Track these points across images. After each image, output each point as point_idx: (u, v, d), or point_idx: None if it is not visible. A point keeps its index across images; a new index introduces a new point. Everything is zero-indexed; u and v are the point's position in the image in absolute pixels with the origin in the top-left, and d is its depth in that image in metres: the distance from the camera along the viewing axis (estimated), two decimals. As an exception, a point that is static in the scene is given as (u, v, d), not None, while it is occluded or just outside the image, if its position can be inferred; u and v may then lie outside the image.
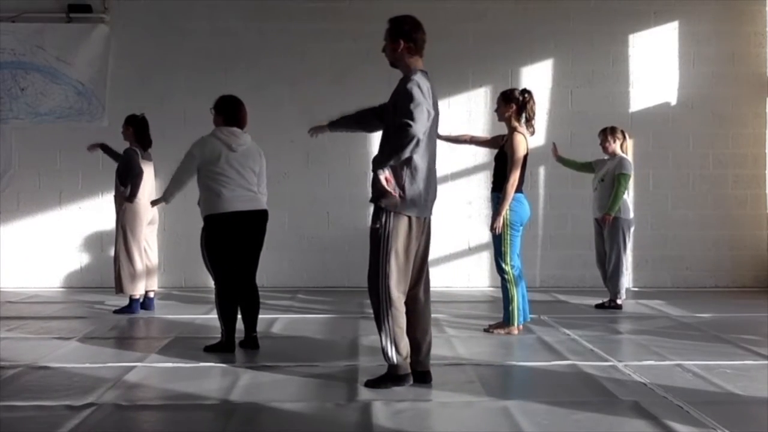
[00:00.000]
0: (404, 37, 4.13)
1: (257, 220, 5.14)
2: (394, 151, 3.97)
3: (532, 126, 5.72)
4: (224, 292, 5.07)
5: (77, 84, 8.26)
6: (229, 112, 5.16)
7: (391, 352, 4.08)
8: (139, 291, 6.59)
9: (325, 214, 8.27)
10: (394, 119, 4.00)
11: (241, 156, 5.08)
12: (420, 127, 3.91)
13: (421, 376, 4.23)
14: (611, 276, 6.86)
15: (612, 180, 6.74)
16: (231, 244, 5.03)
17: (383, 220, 4.03)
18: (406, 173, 4.02)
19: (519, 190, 5.61)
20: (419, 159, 4.04)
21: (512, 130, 5.63)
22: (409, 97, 3.95)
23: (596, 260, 7.08)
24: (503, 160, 5.65)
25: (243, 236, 5.08)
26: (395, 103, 4.06)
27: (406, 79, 4.06)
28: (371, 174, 4.08)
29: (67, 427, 3.48)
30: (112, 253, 8.20)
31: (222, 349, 5.03)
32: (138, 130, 6.62)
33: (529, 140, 5.72)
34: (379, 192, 4.03)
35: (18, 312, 6.85)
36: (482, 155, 7.99)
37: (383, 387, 4.09)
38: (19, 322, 6.28)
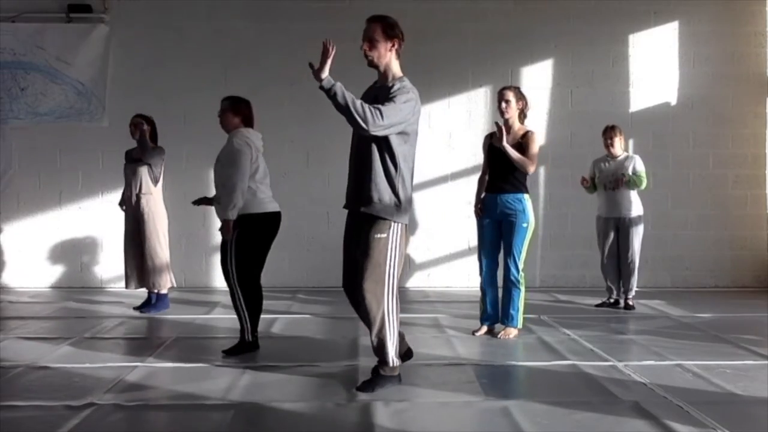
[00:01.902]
0: (398, 38, 4.10)
1: (278, 221, 5.24)
2: (353, 107, 3.80)
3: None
4: (249, 290, 5.06)
5: (77, 84, 8.26)
6: (246, 113, 5.20)
7: (394, 355, 4.14)
8: (168, 285, 6.75)
9: (325, 214, 8.27)
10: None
11: (262, 157, 5.18)
12: (375, 128, 3.84)
13: (406, 355, 4.45)
14: (632, 273, 6.88)
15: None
16: (260, 244, 5.09)
17: (390, 231, 4.04)
18: (398, 181, 4.04)
19: (527, 190, 5.61)
20: (406, 170, 4.08)
21: (526, 129, 5.62)
22: (398, 103, 3.92)
23: (607, 260, 7.00)
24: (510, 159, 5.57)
25: (269, 236, 5.16)
26: (376, 97, 4.03)
27: (403, 86, 4.02)
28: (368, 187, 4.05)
29: (67, 427, 3.48)
30: (112, 253, 8.26)
31: (248, 349, 5.04)
32: (154, 130, 6.70)
33: None
34: (373, 200, 4.03)
35: (18, 312, 6.85)
36: (482, 156, 7.98)
37: (381, 388, 4.10)
38: (19, 322, 6.28)
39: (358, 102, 3.86)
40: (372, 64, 4.10)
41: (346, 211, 4.24)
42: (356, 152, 4.13)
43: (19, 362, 4.73)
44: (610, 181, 6.88)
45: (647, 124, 8.48)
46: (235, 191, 4.91)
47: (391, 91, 4.00)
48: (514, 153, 5.44)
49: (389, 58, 4.10)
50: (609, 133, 6.94)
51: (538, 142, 5.61)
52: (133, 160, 6.68)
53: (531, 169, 5.51)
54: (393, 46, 4.09)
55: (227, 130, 5.16)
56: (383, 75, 4.12)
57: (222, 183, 5.01)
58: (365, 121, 3.83)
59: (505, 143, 5.38)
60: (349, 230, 4.20)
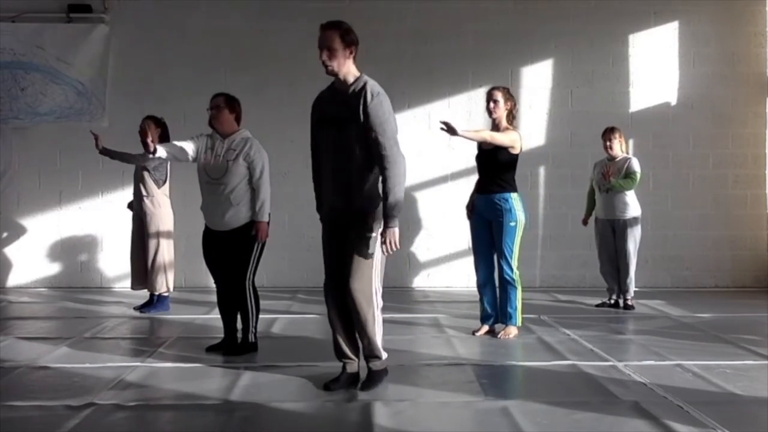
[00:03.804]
0: (355, 44, 4.08)
1: None
2: (399, 183, 3.97)
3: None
4: (256, 291, 5.14)
5: (77, 84, 8.26)
6: (239, 111, 5.20)
7: (381, 349, 4.19)
8: (164, 288, 6.78)
9: (325, 214, 8.27)
10: (370, 134, 3.96)
11: None
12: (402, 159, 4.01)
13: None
14: (627, 274, 6.89)
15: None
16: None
17: (378, 229, 4.07)
18: (379, 178, 4.10)
19: (515, 189, 5.61)
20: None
21: (509, 129, 5.59)
22: (389, 118, 3.98)
23: (605, 262, 7.01)
24: (501, 159, 5.54)
25: None
26: (366, 113, 3.96)
27: (373, 91, 3.99)
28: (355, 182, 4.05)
29: (67, 427, 3.48)
30: (112, 253, 8.26)
31: (249, 350, 5.07)
32: (165, 133, 6.71)
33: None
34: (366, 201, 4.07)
35: (18, 312, 6.86)
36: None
37: (380, 384, 4.14)
38: (19, 322, 6.28)
39: (399, 189, 3.97)
40: (332, 73, 4.04)
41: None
42: (334, 156, 4.06)
43: (19, 362, 4.73)
44: (603, 183, 6.88)
45: (647, 124, 8.48)
46: (268, 194, 5.05)
47: (367, 101, 3.95)
48: (469, 134, 5.42)
49: (348, 66, 4.06)
50: (608, 135, 6.93)
51: (512, 135, 5.53)
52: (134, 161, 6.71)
53: (488, 138, 5.46)
54: (351, 53, 4.05)
55: (224, 128, 5.09)
56: (343, 81, 4.06)
57: (259, 186, 5.01)
58: (404, 173, 3.99)
59: (460, 131, 5.21)
60: (333, 233, 4.15)
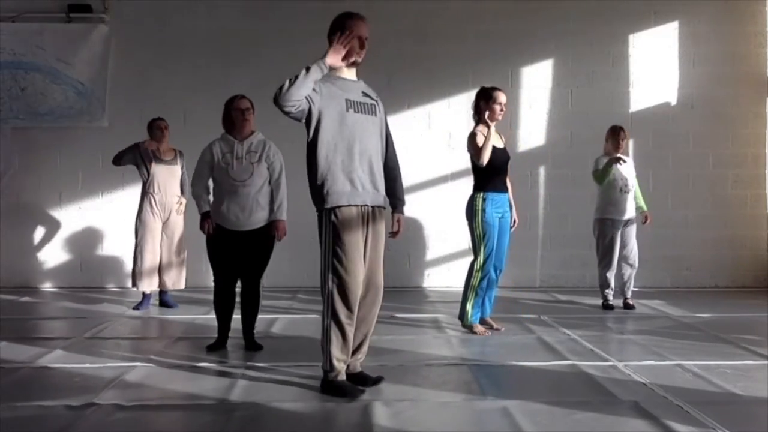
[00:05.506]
0: None
1: None
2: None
3: None
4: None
5: (77, 84, 8.26)
6: None
7: None
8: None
9: (325, 214, 8.26)
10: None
11: None
12: None
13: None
14: (635, 270, 7.00)
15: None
16: None
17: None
18: None
19: None
20: None
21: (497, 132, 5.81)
22: None
23: (614, 263, 6.98)
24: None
25: None
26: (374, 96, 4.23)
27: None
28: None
29: (67, 427, 3.48)
30: (112, 253, 8.28)
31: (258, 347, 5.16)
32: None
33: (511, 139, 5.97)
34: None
35: (18, 312, 6.85)
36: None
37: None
38: (19, 322, 6.28)
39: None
40: (356, 65, 4.10)
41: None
42: (370, 145, 4.04)
43: (19, 362, 4.73)
44: (625, 184, 6.86)
45: (647, 124, 8.48)
46: (286, 194, 5.25)
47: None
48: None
49: None
50: (622, 133, 6.89)
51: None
52: (163, 161, 6.77)
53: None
54: None
55: (249, 130, 5.16)
56: (355, 72, 4.17)
57: (279, 186, 5.22)
58: None
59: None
60: (367, 227, 4.01)
